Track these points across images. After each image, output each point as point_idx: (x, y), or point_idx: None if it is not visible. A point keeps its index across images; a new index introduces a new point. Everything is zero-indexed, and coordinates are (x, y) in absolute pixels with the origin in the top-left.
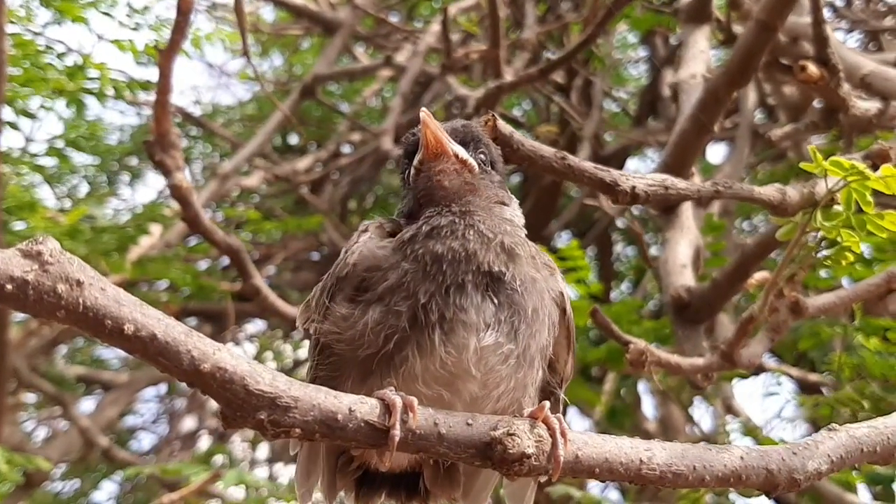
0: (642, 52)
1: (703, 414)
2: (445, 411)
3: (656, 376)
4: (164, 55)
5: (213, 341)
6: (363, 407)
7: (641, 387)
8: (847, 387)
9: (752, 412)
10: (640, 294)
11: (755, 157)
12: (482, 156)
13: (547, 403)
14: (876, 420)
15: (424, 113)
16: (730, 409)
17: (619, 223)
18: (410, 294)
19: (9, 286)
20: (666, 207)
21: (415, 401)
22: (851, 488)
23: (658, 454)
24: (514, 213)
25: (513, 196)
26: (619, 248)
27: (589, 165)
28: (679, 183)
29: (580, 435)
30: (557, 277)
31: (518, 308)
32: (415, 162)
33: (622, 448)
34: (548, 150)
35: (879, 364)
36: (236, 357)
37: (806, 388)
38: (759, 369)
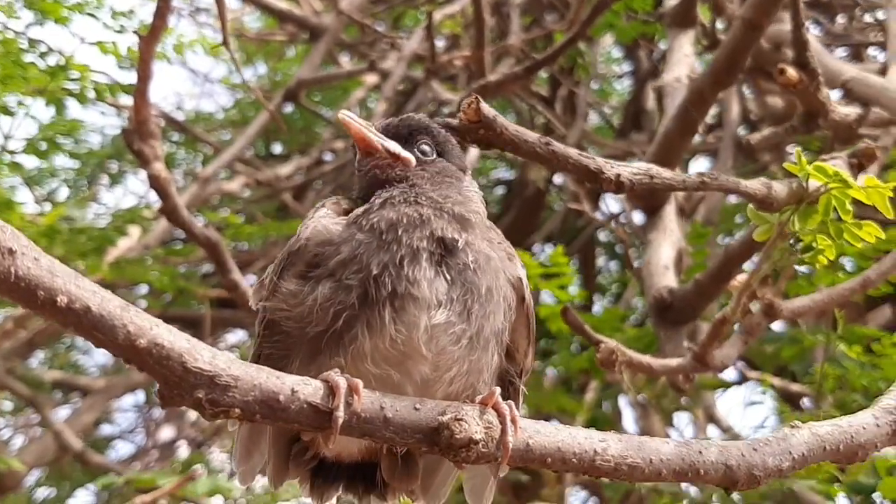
0: (626, 68)
1: (684, 426)
2: (393, 395)
3: (627, 378)
4: (146, 41)
5: (151, 317)
6: (306, 388)
7: (623, 400)
8: (829, 398)
9: (734, 422)
10: (622, 306)
11: (737, 171)
12: (425, 146)
13: (498, 389)
14: (840, 418)
15: (343, 115)
16: (711, 418)
17: (602, 236)
18: (363, 266)
19: None
20: (650, 209)
21: (360, 383)
22: (832, 499)
23: (613, 446)
24: (469, 187)
25: (467, 169)
26: (602, 261)
27: (573, 152)
28: (664, 172)
29: (532, 423)
30: (517, 263)
31: (471, 286)
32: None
33: (576, 438)
34: (532, 136)
35: (863, 376)
36: (174, 333)
37: (788, 399)
38: (741, 379)
